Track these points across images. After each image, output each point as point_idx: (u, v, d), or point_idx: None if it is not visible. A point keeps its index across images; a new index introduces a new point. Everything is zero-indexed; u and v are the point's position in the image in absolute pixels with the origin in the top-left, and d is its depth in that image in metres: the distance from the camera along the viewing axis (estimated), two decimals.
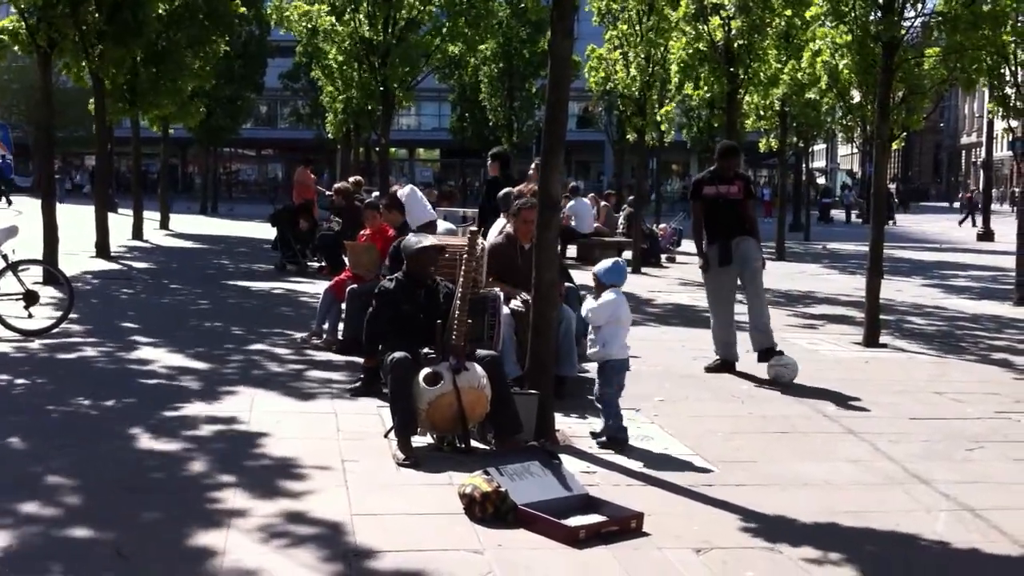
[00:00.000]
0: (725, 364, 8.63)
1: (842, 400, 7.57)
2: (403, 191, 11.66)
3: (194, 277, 15.12)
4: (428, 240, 6.36)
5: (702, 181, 8.93)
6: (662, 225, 23.74)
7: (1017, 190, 24.97)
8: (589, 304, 6.32)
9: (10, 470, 5.29)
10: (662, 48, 17.35)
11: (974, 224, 31.85)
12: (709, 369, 8.59)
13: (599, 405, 6.23)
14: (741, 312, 8.70)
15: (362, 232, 9.81)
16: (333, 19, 18.40)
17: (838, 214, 46.72)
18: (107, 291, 13.06)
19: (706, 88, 17.43)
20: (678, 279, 16.84)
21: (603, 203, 22.63)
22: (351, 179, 18.46)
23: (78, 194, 44.62)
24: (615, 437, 6.10)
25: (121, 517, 4.58)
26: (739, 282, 8.69)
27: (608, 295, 6.27)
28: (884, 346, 10.17)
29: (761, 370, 8.36)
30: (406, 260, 6.41)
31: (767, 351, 8.39)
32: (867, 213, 32.86)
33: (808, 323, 11.90)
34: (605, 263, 6.53)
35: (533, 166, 11.88)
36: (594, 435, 6.20)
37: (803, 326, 11.58)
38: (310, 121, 45.14)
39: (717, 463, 5.79)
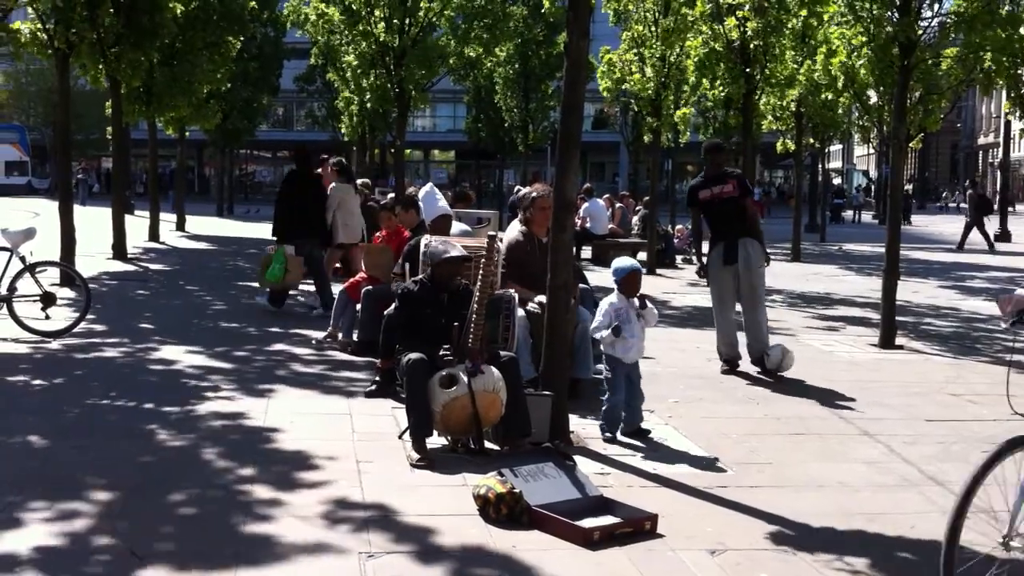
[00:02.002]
0: (731, 363, 8.62)
1: (857, 402, 7.54)
2: (423, 189, 11.75)
3: (210, 278, 15.19)
4: (455, 250, 6.32)
5: (696, 187, 8.91)
6: (679, 226, 23.65)
7: None
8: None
9: (31, 468, 5.32)
10: (678, 48, 17.33)
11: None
12: (725, 371, 8.58)
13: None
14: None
15: (377, 233, 9.84)
16: (345, 18, 18.45)
17: (849, 215, 46.64)
18: (124, 292, 13.14)
19: (722, 87, 17.39)
20: (693, 281, 16.78)
21: (618, 204, 22.63)
22: (358, 182, 18.49)
23: (86, 192, 44.64)
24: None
25: (140, 515, 4.61)
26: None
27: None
28: (900, 347, 10.12)
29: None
30: (432, 266, 6.40)
31: (761, 359, 8.44)
32: (883, 214, 32.71)
33: (824, 324, 11.86)
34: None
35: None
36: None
37: (819, 327, 11.55)
38: (326, 123, 45.25)
39: (732, 464, 5.78)
